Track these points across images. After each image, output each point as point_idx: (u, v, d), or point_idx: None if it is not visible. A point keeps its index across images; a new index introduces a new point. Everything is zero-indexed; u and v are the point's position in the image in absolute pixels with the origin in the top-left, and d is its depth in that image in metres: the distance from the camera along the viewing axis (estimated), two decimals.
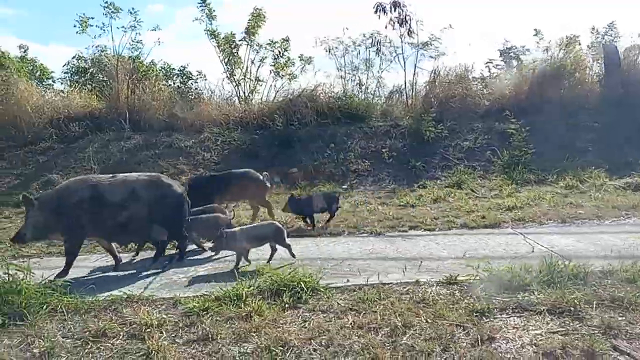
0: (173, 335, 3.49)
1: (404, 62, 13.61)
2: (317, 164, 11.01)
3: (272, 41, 16.21)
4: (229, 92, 14.97)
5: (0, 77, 13.66)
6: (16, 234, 4.99)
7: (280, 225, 5.26)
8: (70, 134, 12.72)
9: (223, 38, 15.26)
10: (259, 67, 15.90)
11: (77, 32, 13.48)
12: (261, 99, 15.29)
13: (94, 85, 15.36)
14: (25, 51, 16.36)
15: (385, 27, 13.65)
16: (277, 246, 5.15)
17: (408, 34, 14.03)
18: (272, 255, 5.13)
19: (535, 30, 14.92)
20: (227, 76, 15.59)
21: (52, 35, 32.92)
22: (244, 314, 3.67)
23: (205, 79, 15.90)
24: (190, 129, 12.87)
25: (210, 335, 3.38)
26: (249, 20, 15.28)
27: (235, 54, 15.56)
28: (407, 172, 10.55)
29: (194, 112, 13.44)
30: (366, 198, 8.94)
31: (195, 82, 16.15)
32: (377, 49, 14.61)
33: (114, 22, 13.25)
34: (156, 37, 13.93)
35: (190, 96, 14.66)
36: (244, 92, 15.85)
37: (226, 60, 15.73)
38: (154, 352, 3.17)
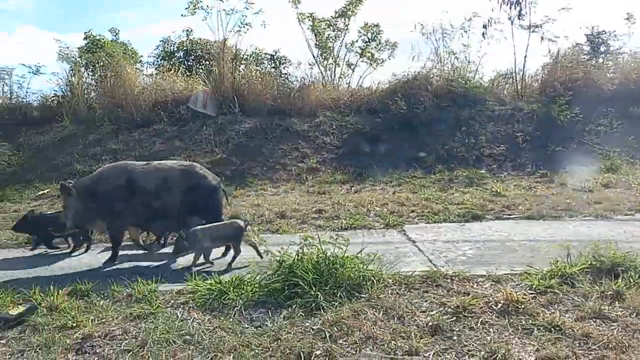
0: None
1: (514, 45, 13.20)
2: (447, 148, 10.75)
3: (366, 24, 15.95)
4: (314, 76, 14.75)
5: (100, 60, 13.76)
6: (57, 223, 5.05)
7: (242, 225, 4.83)
8: (180, 117, 12.66)
9: (321, 20, 15.04)
10: (347, 51, 15.65)
11: (182, 15, 13.43)
12: (349, 83, 15.15)
13: (185, 68, 15.27)
14: (116, 34, 16.38)
15: (492, 10, 13.27)
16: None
17: (518, 16, 13.61)
18: (234, 257, 4.77)
19: (628, 14, 14.37)
20: (317, 60, 15.41)
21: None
22: (609, 292, 3.46)
23: (291, 64, 15.77)
24: (300, 113, 12.69)
25: (602, 313, 3.19)
26: (347, 3, 14.98)
27: (330, 38, 15.36)
28: (547, 156, 10.23)
29: (301, 95, 13.27)
30: (528, 183, 8.67)
31: (287, 66, 15.99)
32: (483, 32, 14.19)
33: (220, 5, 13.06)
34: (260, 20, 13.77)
35: (286, 80, 14.50)
36: (332, 77, 15.65)
37: (317, 44, 15.53)
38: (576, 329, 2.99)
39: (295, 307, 3.46)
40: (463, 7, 17.13)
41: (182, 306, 3.68)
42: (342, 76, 16.00)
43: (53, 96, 13.97)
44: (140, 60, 16.80)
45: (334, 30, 15.23)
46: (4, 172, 11.05)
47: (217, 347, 2.99)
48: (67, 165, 11.24)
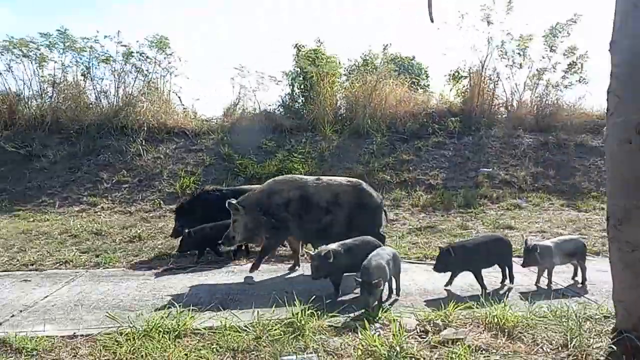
0: None
1: None
2: None
3: (572, 47, 15.61)
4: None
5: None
6: (225, 237, 4.95)
7: None
8: (450, 129, 12.32)
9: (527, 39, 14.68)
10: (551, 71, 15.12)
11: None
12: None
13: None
14: (321, 44, 16.03)
15: None
16: None
17: None
18: None
19: None
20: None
21: None
22: None
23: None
24: (569, 129, 12.37)
25: None
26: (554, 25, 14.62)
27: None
28: None
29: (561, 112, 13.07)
30: None
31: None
32: None
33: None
34: None
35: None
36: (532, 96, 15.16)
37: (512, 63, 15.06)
38: None
39: None
40: None
41: None
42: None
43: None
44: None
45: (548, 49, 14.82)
46: None
47: None
48: (369, 175, 10.73)
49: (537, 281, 4.67)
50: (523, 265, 4.54)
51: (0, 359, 3.05)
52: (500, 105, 13.79)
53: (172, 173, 10.61)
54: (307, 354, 2.89)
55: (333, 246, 4.29)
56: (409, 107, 12.99)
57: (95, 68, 13.17)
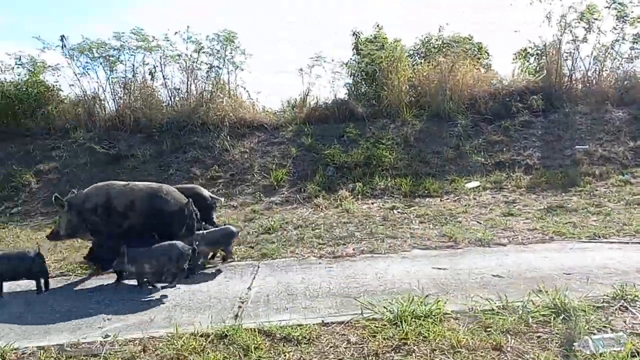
0: None
1: None
2: None
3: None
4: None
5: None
6: (51, 232, 5.47)
7: None
8: (530, 107, 12.11)
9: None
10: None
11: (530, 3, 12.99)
12: None
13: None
14: (380, 29, 15.92)
15: None
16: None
17: None
18: None
19: None
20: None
21: None
22: None
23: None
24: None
25: None
26: None
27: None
28: None
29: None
30: None
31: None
32: None
33: None
34: None
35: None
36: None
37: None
38: None
39: None
40: None
41: None
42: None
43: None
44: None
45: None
46: (397, 166, 10.41)
47: None
48: (461, 158, 10.65)
49: None
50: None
51: (277, 348, 3.10)
52: (578, 80, 13.50)
53: (262, 166, 10.70)
54: (615, 333, 2.88)
55: None
56: (486, 87, 12.82)
57: (165, 66, 13.24)
